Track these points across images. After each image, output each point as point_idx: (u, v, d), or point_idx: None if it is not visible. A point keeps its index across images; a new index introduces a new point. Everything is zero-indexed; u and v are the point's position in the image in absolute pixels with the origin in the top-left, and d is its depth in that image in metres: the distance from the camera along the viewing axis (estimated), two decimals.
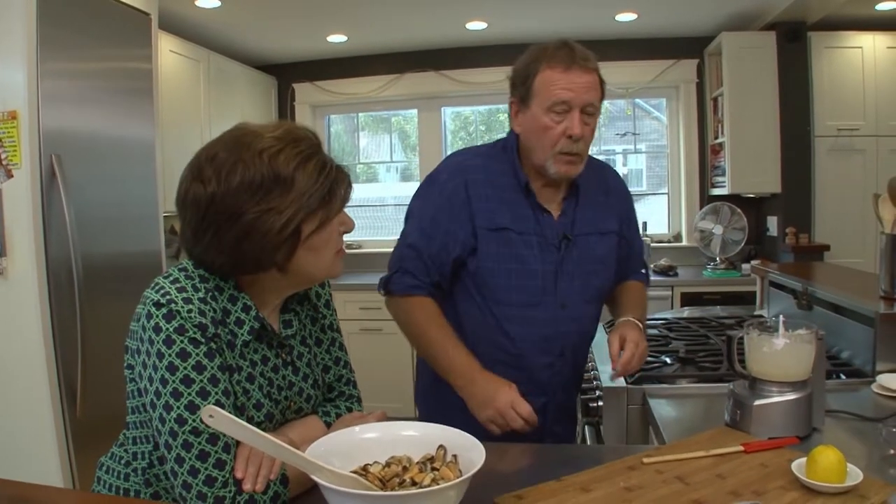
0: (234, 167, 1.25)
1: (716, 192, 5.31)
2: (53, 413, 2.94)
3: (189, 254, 1.34)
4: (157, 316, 1.23)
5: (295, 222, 1.27)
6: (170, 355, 1.21)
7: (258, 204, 1.25)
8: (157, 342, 1.22)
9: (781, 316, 1.56)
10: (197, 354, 1.23)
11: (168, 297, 1.25)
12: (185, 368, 1.21)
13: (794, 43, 4.75)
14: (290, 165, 1.26)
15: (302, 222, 1.28)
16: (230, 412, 1.21)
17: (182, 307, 1.24)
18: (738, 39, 4.92)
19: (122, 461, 1.40)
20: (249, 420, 1.32)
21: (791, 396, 1.53)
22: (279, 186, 1.25)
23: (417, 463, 1.16)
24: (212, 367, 1.24)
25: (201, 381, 1.22)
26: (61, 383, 2.97)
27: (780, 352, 1.53)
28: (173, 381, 1.21)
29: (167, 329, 1.22)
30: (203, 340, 1.24)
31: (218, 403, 1.22)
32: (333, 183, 1.31)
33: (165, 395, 1.21)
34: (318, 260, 1.35)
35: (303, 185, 1.27)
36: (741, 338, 1.62)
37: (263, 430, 1.30)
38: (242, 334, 1.33)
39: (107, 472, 1.43)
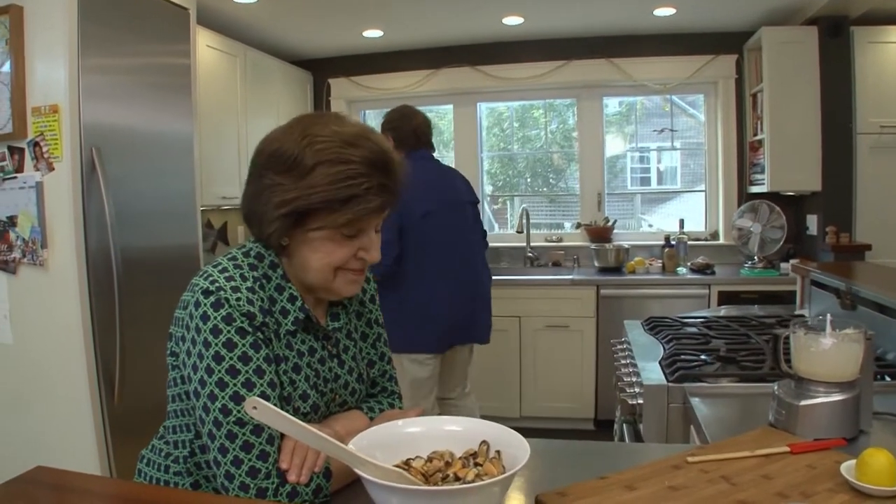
0: (280, 137, 1.31)
1: (754, 189, 5.22)
2: (91, 403, 2.98)
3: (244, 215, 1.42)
4: (206, 304, 1.24)
5: (292, 206, 1.28)
6: (216, 345, 1.22)
7: (275, 175, 1.29)
8: (205, 331, 1.23)
9: (829, 315, 1.53)
10: (243, 345, 1.23)
11: (216, 284, 1.25)
12: (231, 359, 1.22)
13: (836, 38, 4.65)
14: (316, 158, 1.27)
15: (304, 215, 1.29)
16: (275, 403, 1.22)
17: (230, 296, 1.25)
18: (779, 34, 4.82)
19: (163, 453, 1.41)
20: (296, 411, 1.33)
21: (838, 397, 1.50)
22: (296, 170, 1.28)
23: (460, 458, 1.15)
24: (258, 359, 1.24)
25: (247, 371, 1.22)
26: (100, 374, 3.00)
27: (828, 351, 1.50)
28: (219, 371, 1.21)
29: (215, 318, 1.23)
30: (250, 330, 1.25)
31: (263, 395, 1.22)
32: (354, 197, 1.28)
33: (210, 384, 1.21)
34: (313, 260, 1.34)
35: (316, 179, 1.27)
36: (787, 337, 1.59)
37: (308, 421, 1.31)
38: (287, 324, 1.33)
39: (147, 464, 1.44)
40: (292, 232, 1.32)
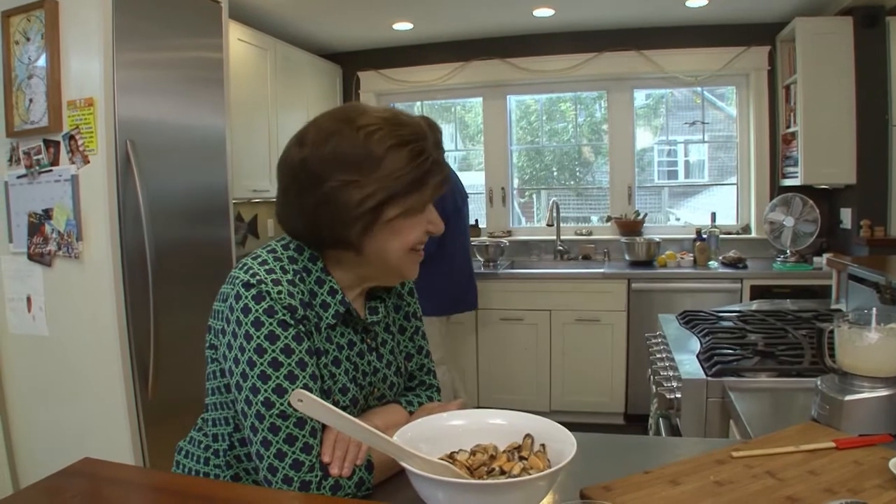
0: (330, 136, 1.27)
1: (787, 182, 5.16)
2: (126, 395, 3.00)
3: (278, 217, 1.38)
4: (247, 297, 1.24)
5: (375, 199, 1.26)
6: (258, 337, 1.22)
7: (343, 175, 1.26)
8: (245, 323, 1.22)
9: (875, 309, 1.50)
10: (285, 337, 1.23)
11: (257, 277, 1.25)
12: (273, 351, 1.21)
13: (871, 28, 4.58)
14: (384, 145, 1.26)
15: (385, 204, 1.28)
16: (317, 396, 1.21)
17: (272, 288, 1.24)
18: (813, 25, 4.75)
19: (202, 445, 1.41)
20: (335, 405, 1.31)
21: (884, 392, 1.47)
22: (368, 163, 1.26)
23: (504, 452, 1.14)
24: (300, 351, 1.24)
25: (289, 364, 1.22)
26: (134, 365, 3.02)
27: (874, 346, 1.47)
28: (261, 364, 1.21)
29: (256, 310, 1.23)
30: (292, 323, 1.24)
31: (305, 387, 1.22)
32: (426, 173, 1.29)
33: (253, 377, 1.21)
34: (394, 246, 1.33)
35: (391, 166, 1.26)
36: (831, 331, 1.57)
37: (348, 415, 1.31)
38: (327, 318, 1.33)
39: (186, 456, 1.44)
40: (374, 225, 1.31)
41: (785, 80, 5.17)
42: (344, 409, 1.34)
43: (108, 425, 3.03)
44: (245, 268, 1.28)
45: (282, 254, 1.33)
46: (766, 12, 5.03)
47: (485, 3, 4.79)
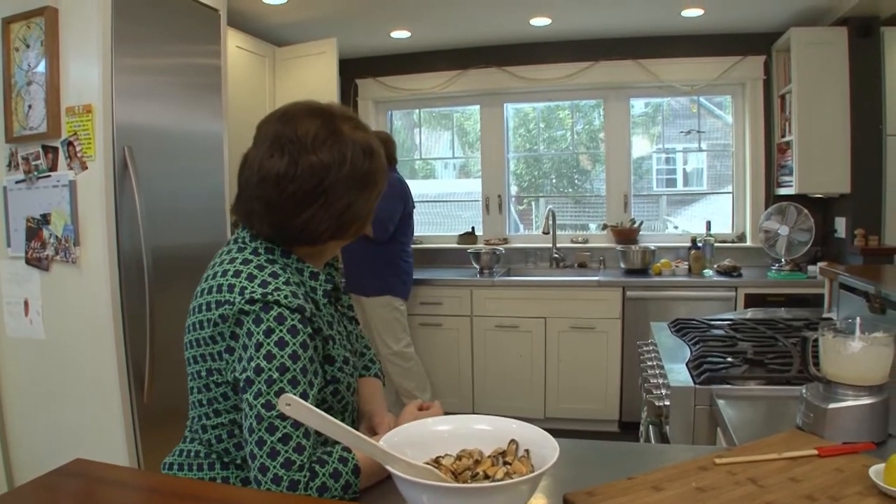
0: (340, 138, 1.39)
1: (782, 191, 5.18)
2: (121, 399, 3.01)
3: (282, 227, 1.39)
4: (255, 311, 1.28)
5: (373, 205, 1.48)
6: (268, 344, 1.26)
7: (368, 181, 1.41)
8: (257, 334, 1.27)
9: (859, 318, 1.53)
10: (294, 344, 1.27)
11: (260, 292, 1.29)
12: (281, 357, 1.25)
13: (866, 38, 4.60)
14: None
15: None
16: (312, 401, 1.25)
17: (279, 297, 1.29)
18: (808, 35, 4.78)
19: (211, 455, 1.43)
20: (344, 378, 1.43)
21: (867, 401, 1.49)
22: (373, 159, 1.43)
23: (489, 457, 1.16)
24: (304, 357, 1.28)
25: (294, 370, 1.26)
26: (130, 370, 3.04)
27: (857, 355, 1.49)
28: (269, 370, 1.24)
29: (267, 319, 1.27)
30: (301, 328, 1.29)
31: (304, 393, 1.26)
32: None
33: (259, 382, 1.24)
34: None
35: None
36: (816, 340, 1.59)
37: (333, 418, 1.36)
38: (321, 300, 1.41)
39: (181, 469, 1.45)
40: None
41: (780, 89, 5.19)
42: (350, 376, 1.46)
43: (103, 429, 3.04)
44: (237, 289, 1.31)
45: (263, 259, 1.37)
46: (761, 22, 5.05)
47: (482, 11, 4.81)
